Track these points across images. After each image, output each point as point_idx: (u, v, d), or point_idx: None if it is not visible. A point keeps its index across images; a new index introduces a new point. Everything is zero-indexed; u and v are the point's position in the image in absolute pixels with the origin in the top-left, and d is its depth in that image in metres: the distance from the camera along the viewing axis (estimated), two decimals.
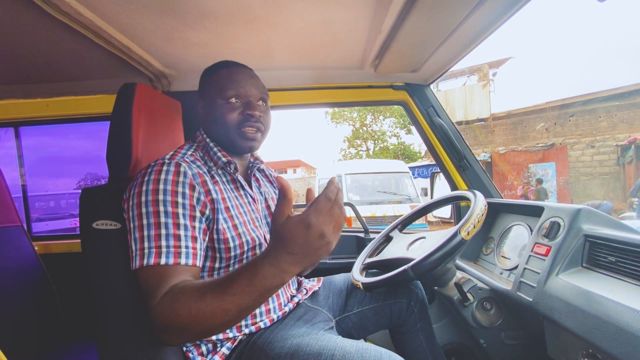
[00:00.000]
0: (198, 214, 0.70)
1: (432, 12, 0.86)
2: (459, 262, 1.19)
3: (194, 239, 0.67)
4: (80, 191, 0.75)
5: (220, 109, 0.81)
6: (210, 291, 0.56)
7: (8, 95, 1.40)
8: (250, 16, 0.92)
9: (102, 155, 0.82)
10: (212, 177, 0.79)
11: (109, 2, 0.83)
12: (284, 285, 0.88)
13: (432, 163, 11.71)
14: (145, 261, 0.62)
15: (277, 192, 1.00)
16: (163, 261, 0.62)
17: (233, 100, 0.81)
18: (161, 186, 0.66)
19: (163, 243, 0.63)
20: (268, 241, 0.84)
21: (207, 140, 0.84)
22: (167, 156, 0.74)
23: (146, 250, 0.63)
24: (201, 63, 1.21)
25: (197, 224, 0.69)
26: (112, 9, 0.86)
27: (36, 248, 1.23)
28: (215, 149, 0.82)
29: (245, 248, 0.77)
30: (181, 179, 0.69)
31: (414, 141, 19.37)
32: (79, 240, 0.73)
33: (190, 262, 0.64)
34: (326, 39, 1.08)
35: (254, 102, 0.83)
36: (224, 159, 0.81)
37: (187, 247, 0.65)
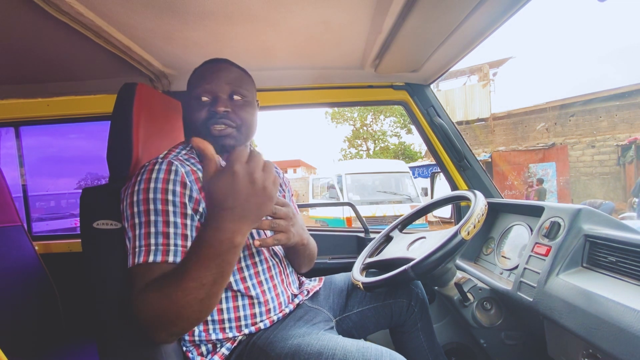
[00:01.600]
0: (190, 212, 0.70)
1: (432, 12, 0.86)
2: (459, 262, 1.19)
3: (184, 236, 0.67)
4: (80, 191, 0.75)
5: (190, 108, 0.81)
6: (173, 276, 0.57)
7: (8, 95, 1.40)
8: (250, 16, 0.92)
9: (103, 155, 0.82)
10: None
11: (109, 2, 0.83)
12: (285, 284, 0.88)
13: (432, 163, 11.71)
14: (136, 260, 0.63)
15: (282, 190, 1.00)
16: (151, 259, 0.62)
17: (203, 97, 0.80)
18: (152, 185, 0.67)
19: (152, 241, 0.64)
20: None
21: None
22: (161, 155, 0.75)
23: (137, 249, 0.63)
24: (201, 63, 1.22)
25: (188, 222, 0.69)
26: (112, 9, 0.86)
27: (36, 248, 1.23)
28: None
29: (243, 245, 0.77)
30: (172, 177, 0.69)
31: (415, 141, 19.39)
32: (80, 240, 0.73)
33: (178, 259, 0.65)
34: (326, 38, 1.08)
35: (223, 97, 0.80)
36: None
37: (175, 245, 0.65)
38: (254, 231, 0.82)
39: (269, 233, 0.84)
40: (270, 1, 0.85)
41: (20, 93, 1.38)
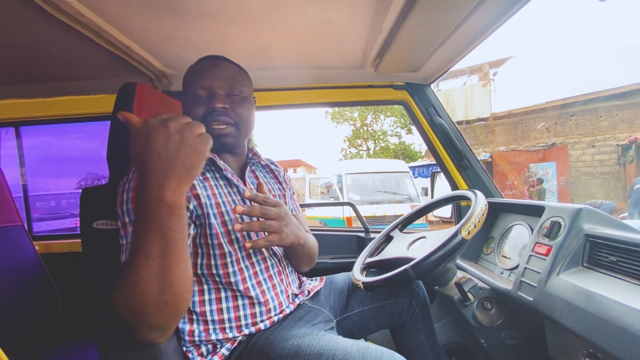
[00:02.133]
0: None
1: (432, 11, 0.86)
2: (459, 261, 1.19)
3: None
4: (80, 191, 0.75)
5: (188, 106, 0.81)
6: (125, 261, 0.55)
7: (9, 95, 1.40)
8: (251, 16, 0.92)
9: (103, 155, 0.83)
10: (202, 173, 0.79)
11: (110, 2, 0.83)
12: (285, 284, 0.88)
13: (432, 163, 11.71)
14: (123, 257, 0.63)
15: (283, 189, 1.00)
16: None
17: (199, 94, 0.80)
18: None
19: None
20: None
21: None
22: None
23: (125, 247, 0.64)
24: None
25: None
26: (112, 9, 0.86)
27: (37, 248, 1.24)
28: None
29: (237, 246, 0.77)
30: None
31: (415, 141, 19.38)
32: (80, 240, 0.73)
33: None
34: (326, 38, 1.08)
35: (220, 93, 0.79)
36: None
37: None
38: (246, 233, 0.80)
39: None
40: (270, 1, 0.85)
41: (20, 93, 1.38)
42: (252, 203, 0.73)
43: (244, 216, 0.79)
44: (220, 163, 0.82)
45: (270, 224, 0.72)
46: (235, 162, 0.89)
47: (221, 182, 0.82)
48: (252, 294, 0.78)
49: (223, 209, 0.78)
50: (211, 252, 0.75)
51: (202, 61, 0.84)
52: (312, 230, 1.33)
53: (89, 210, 0.73)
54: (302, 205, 1.44)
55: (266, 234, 0.74)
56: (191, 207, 0.73)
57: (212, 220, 0.75)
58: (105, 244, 0.71)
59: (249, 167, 0.91)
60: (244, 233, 0.78)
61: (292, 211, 1.01)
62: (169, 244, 0.53)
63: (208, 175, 0.80)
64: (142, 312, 0.54)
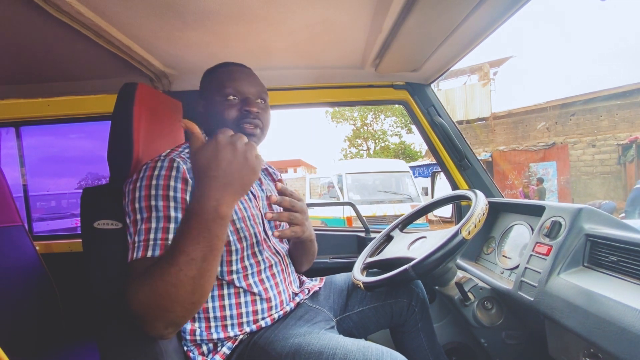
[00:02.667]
0: None
1: (432, 11, 0.86)
2: (459, 261, 1.19)
3: None
4: (81, 191, 0.75)
5: (219, 106, 0.83)
6: (163, 258, 0.58)
7: (9, 95, 1.40)
8: (251, 16, 0.92)
9: (103, 154, 0.82)
10: None
11: (110, 2, 0.83)
12: (287, 283, 0.88)
13: (432, 162, 11.70)
14: (135, 255, 0.63)
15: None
16: (149, 254, 0.62)
17: (231, 97, 0.83)
18: (153, 182, 0.68)
19: (151, 236, 0.64)
20: (269, 238, 0.85)
21: (207, 138, 0.85)
22: (163, 154, 0.75)
23: (136, 244, 0.64)
24: (202, 63, 1.21)
25: None
26: (112, 9, 0.86)
27: (37, 248, 1.23)
28: None
29: (245, 244, 0.78)
30: (174, 173, 0.70)
31: (415, 140, 19.38)
32: (80, 240, 0.73)
33: None
34: (326, 38, 1.08)
35: (253, 99, 0.84)
36: None
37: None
38: (273, 223, 0.87)
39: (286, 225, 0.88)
40: (270, 1, 0.85)
41: (20, 93, 1.38)
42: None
43: (256, 213, 0.83)
44: None
45: (295, 216, 0.78)
46: None
47: None
48: (255, 290, 0.79)
49: None
50: None
51: (232, 67, 0.88)
52: (314, 229, 1.33)
53: (89, 210, 0.73)
54: None
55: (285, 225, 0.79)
56: None
57: None
58: (106, 243, 0.71)
59: None
60: (253, 234, 0.80)
61: None
62: (212, 250, 0.58)
63: None
64: (169, 310, 0.57)
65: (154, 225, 0.65)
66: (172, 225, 0.66)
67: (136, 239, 0.64)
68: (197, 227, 0.56)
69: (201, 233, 0.56)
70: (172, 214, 0.67)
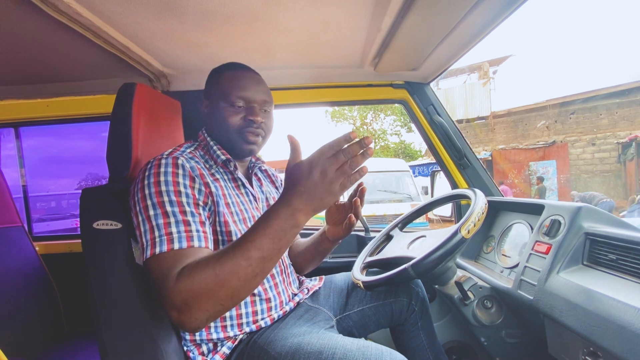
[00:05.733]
0: (201, 203, 0.71)
1: (431, 10, 0.86)
2: (459, 260, 1.19)
3: (202, 223, 0.69)
4: (80, 191, 0.75)
5: (223, 112, 0.83)
6: (229, 249, 0.60)
7: (8, 96, 1.40)
8: (250, 16, 0.92)
9: (103, 155, 0.82)
10: (212, 174, 0.80)
11: (108, 2, 0.83)
12: (286, 283, 0.88)
13: (432, 161, 11.70)
14: (157, 249, 0.62)
15: (279, 192, 1.01)
16: (177, 246, 0.62)
17: (237, 104, 0.83)
18: (162, 178, 0.68)
19: (174, 229, 0.64)
20: None
21: (209, 139, 0.86)
22: (165, 153, 0.75)
23: (157, 239, 0.63)
24: (201, 63, 1.22)
25: (202, 212, 0.70)
26: (111, 9, 0.86)
27: (37, 248, 1.24)
28: (215, 148, 0.84)
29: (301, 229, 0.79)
30: (180, 171, 0.70)
31: (415, 140, 19.36)
32: (80, 241, 0.73)
33: (203, 244, 0.66)
34: (326, 38, 1.07)
35: (257, 108, 0.84)
36: (223, 157, 0.83)
37: (197, 230, 0.66)
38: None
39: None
40: (270, 1, 0.85)
41: (19, 94, 1.38)
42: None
43: (258, 215, 0.85)
44: (237, 173, 0.86)
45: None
46: (242, 166, 0.93)
47: (230, 184, 0.84)
48: (255, 290, 0.79)
49: (233, 209, 0.80)
50: (220, 247, 0.76)
51: (240, 72, 0.87)
52: (312, 229, 1.33)
53: (89, 210, 0.72)
54: None
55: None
56: (209, 202, 0.74)
57: (225, 217, 0.76)
58: (105, 244, 0.71)
59: (254, 172, 0.94)
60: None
61: None
62: (279, 253, 0.61)
63: (219, 176, 0.81)
64: (218, 300, 0.59)
65: (173, 219, 0.65)
66: (190, 219, 0.67)
67: (156, 234, 0.64)
68: (276, 228, 0.59)
69: (277, 235, 0.59)
70: (188, 208, 0.67)
